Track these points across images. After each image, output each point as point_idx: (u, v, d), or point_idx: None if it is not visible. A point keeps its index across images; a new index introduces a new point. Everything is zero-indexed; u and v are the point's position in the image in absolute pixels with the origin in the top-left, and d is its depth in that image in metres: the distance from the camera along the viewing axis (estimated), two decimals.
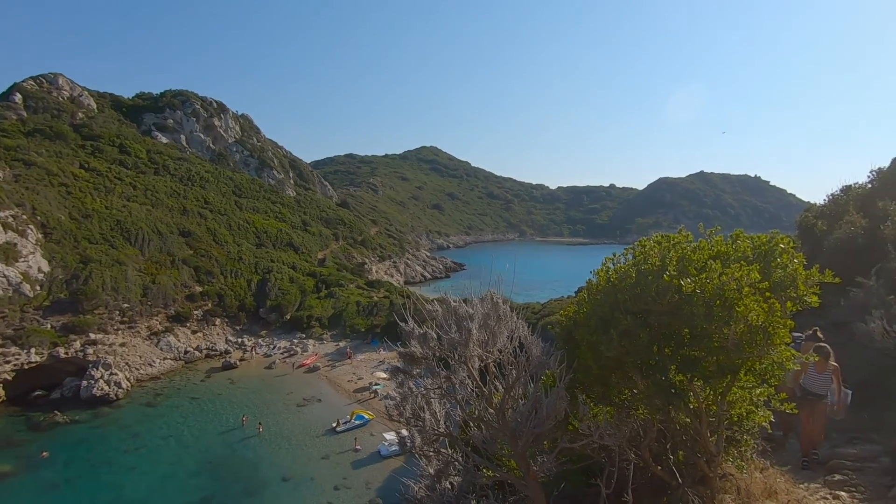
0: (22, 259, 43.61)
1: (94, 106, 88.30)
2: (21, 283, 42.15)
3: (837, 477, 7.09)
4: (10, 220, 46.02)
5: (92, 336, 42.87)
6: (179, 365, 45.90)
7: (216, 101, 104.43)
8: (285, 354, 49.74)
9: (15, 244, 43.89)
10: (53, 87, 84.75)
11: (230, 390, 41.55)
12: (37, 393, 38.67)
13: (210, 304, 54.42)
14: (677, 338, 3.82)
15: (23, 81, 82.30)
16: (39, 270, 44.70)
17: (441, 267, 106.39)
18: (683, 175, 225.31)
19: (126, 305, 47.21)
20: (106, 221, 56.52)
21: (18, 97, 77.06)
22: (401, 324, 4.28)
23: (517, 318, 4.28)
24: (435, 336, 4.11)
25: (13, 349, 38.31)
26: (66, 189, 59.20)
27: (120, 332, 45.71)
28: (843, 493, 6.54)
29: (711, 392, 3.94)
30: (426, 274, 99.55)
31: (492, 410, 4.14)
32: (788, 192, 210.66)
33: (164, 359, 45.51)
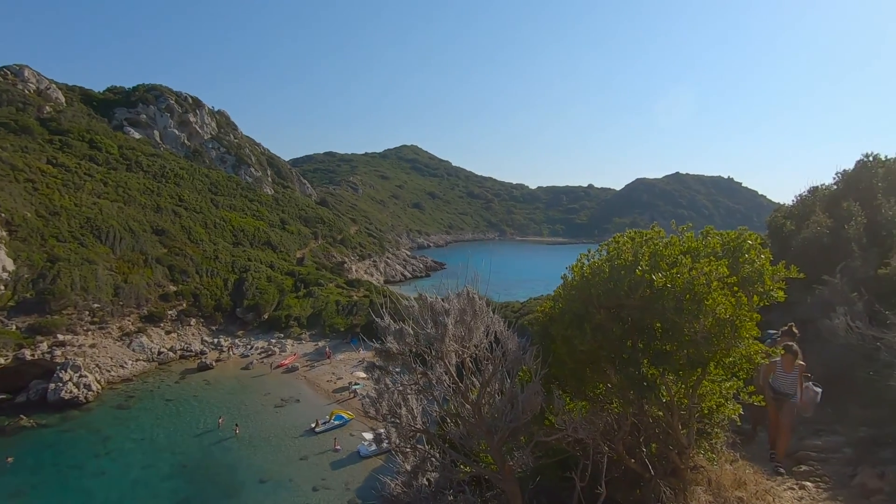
0: None
1: (63, 99, 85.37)
2: None
3: (803, 468, 7.34)
4: None
5: (60, 337, 41.49)
6: (153, 366, 44.76)
7: (191, 97, 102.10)
8: (263, 355, 48.98)
9: None
10: (19, 79, 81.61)
11: (206, 391, 40.73)
12: (1, 397, 37.23)
13: (185, 304, 53.24)
14: (649, 331, 3.90)
15: None
16: (4, 269, 43.02)
17: (421, 266, 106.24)
18: (660, 176, 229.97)
19: (96, 305, 45.82)
20: (75, 219, 54.74)
21: None
22: (377, 320, 4.26)
23: (493, 314, 4.31)
24: (411, 332, 4.10)
25: None
26: (32, 185, 57.07)
27: (90, 332, 44.35)
28: (808, 484, 6.77)
29: (683, 385, 4.03)
30: (406, 273, 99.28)
31: (468, 406, 4.16)
32: (759, 193, 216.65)
33: (137, 360, 44.33)
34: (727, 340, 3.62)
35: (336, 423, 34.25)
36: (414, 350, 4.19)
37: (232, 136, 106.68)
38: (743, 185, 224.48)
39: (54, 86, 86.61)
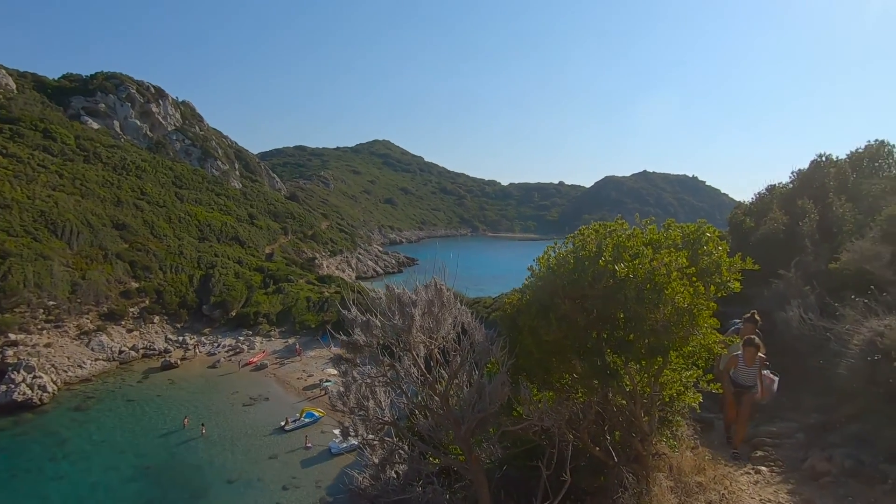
0: None
1: (14, 86, 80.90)
2: None
3: (759, 453, 7.68)
4: None
5: (12, 337, 39.48)
6: (113, 366, 43.09)
7: (154, 86, 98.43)
8: (230, 353, 47.84)
9: None
10: None
11: (170, 391, 39.52)
12: None
13: (148, 301, 51.45)
14: (612, 321, 4.00)
15: None
16: None
17: (393, 262, 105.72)
18: (628, 174, 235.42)
19: (52, 303, 43.77)
20: (28, 212, 52.06)
21: None
22: (343, 312, 4.22)
23: (461, 305, 4.32)
24: (378, 324, 4.08)
25: None
26: None
27: (45, 331, 42.36)
28: (763, 468, 7.08)
29: (645, 374, 4.16)
30: (378, 269, 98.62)
31: (436, 398, 4.17)
32: (722, 191, 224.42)
33: (96, 360, 42.60)
34: (685, 329, 3.74)
35: (307, 420, 33.81)
36: (381, 342, 4.17)
37: (197, 127, 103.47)
38: (706, 183, 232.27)
39: (4, 71, 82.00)
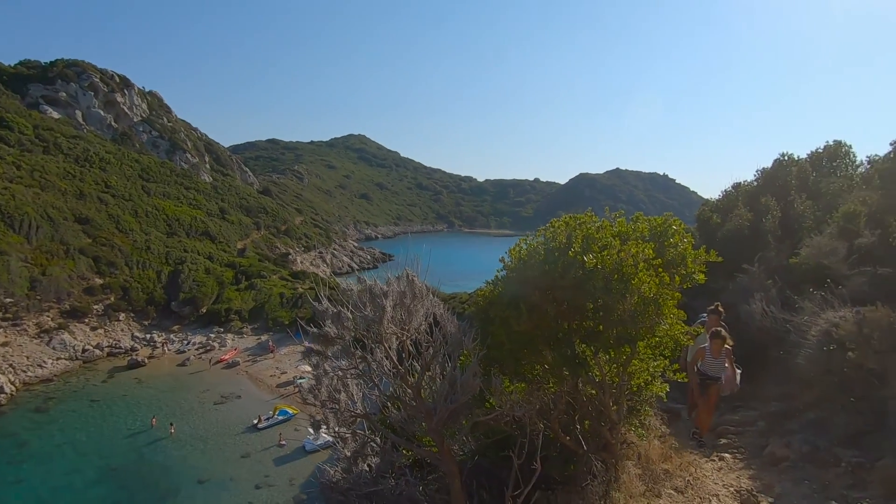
0: None
1: None
2: None
3: (723, 441, 7.96)
4: None
5: None
6: (77, 365, 41.54)
7: (119, 75, 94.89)
8: (201, 350, 46.72)
9: None
10: None
11: (137, 390, 38.36)
12: None
13: (113, 298, 49.69)
14: (581, 311, 4.08)
15: None
16: None
17: (369, 257, 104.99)
18: (601, 171, 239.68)
19: (9, 300, 41.85)
20: None
21: None
22: (313, 304, 4.17)
23: (433, 297, 4.33)
24: (350, 316, 4.04)
25: None
26: None
27: (2, 330, 40.51)
28: (727, 455, 7.35)
29: (614, 364, 4.26)
30: (354, 265, 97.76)
31: (409, 390, 4.17)
32: (691, 189, 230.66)
33: (58, 359, 40.97)
34: (651, 318, 3.84)
35: (280, 418, 33.34)
36: (353, 334, 4.14)
37: (165, 119, 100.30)
38: (676, 181, 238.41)
39: None
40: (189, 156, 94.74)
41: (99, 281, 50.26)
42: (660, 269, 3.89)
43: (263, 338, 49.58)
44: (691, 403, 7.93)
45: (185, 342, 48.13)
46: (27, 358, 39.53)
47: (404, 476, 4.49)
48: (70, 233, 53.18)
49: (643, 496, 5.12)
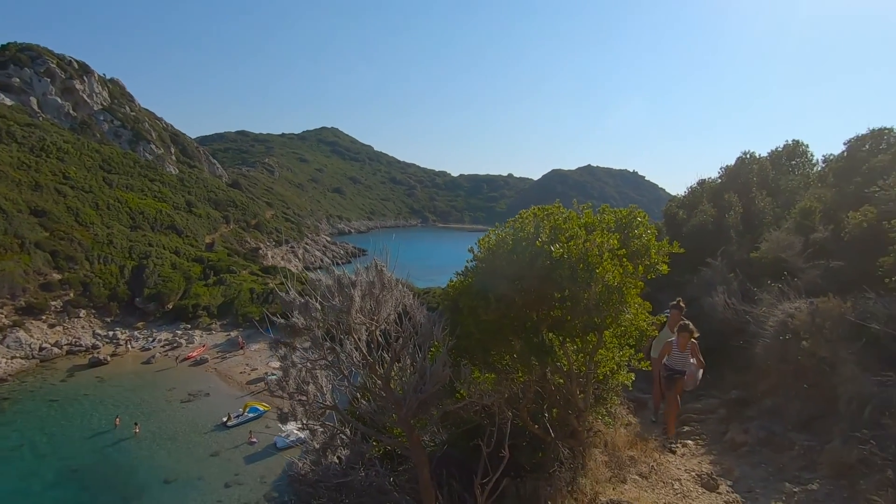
0: None
1: None
2: None
3: (686, 428, 8.24)
4: None
5: None
6: (33, 364, 39.80)
7: (77, 61, 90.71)
8: (167, 347, 45.40)
9: None
10: None
11: (99, 389, 37.01)
12: None
13: (72, 294, 47.76)
14: (548, 301, 4.15)
15: None
16: None
17: (342, 252, 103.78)
18: (573, 167, 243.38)
19: None
20: None
21: None
22: (280, 294, 4.11)
23: (402, 287, 4.33)
24: (318, 307, 4.00)
25: None
26: None
27: None
28: (690, 442, 7.62)
29: (581, 353, 4.36)
30: (326, 259, 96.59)
31: (379, 381, 4.16)
32: (660, 186, 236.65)
33: (13, 358, 39.16)
34: (615, 306, 3.94)
35: (250, 415, 32.75)
36: (322, 326, 4.10)
37: (128, 107, 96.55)
38: (646, 178, 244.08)
39: None
40: (154, 146, 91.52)
41: (57, 276, 48.21)
42: (624, 259, 3.99)
43: (233, 334, 48.53)
44: (657, 398, 8.15)
45: (151, 339, 46.70)
46: None
47: (374, 467, 4.49)
48: (25, 226, 50.72)
49: (609, 482, 5.26)
